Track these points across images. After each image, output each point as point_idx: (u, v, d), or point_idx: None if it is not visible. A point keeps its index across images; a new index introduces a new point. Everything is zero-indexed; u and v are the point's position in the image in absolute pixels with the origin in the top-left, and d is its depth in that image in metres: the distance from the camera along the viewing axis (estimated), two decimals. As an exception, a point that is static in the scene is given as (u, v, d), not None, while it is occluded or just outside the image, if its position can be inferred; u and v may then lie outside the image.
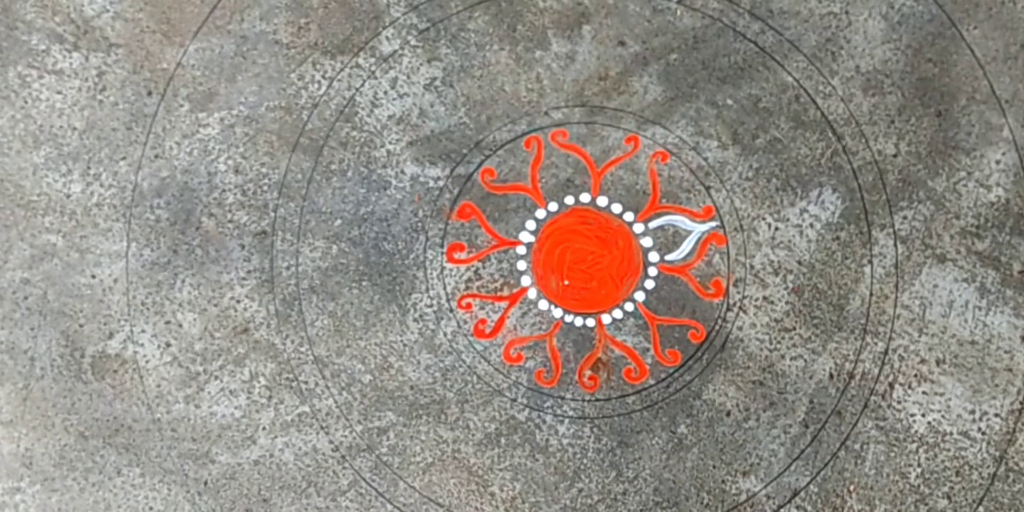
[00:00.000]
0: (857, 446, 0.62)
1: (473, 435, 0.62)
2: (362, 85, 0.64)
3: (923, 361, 0.62)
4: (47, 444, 0.62)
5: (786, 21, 0.64)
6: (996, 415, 0.63)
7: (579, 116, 0.64)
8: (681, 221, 0.63)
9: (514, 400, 0.62)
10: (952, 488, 0.62)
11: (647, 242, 0.63)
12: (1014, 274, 0.63)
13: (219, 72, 0.64)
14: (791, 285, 0.63)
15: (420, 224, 0.63)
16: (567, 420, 0.62)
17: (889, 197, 0.63)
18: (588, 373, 0.63)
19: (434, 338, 0.63)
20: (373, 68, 0.64)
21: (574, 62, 0.64)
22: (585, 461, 0.62)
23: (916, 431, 0.62)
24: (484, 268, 0.63)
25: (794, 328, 0.63)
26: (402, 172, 0.63)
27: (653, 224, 0.64)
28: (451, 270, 0.63)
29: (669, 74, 0.64)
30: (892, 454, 0.62)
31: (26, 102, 0.64)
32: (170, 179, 0.63)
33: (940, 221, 0.63)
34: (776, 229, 0.63)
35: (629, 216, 0.64)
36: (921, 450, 0.62)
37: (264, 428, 0.62)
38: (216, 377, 0.62)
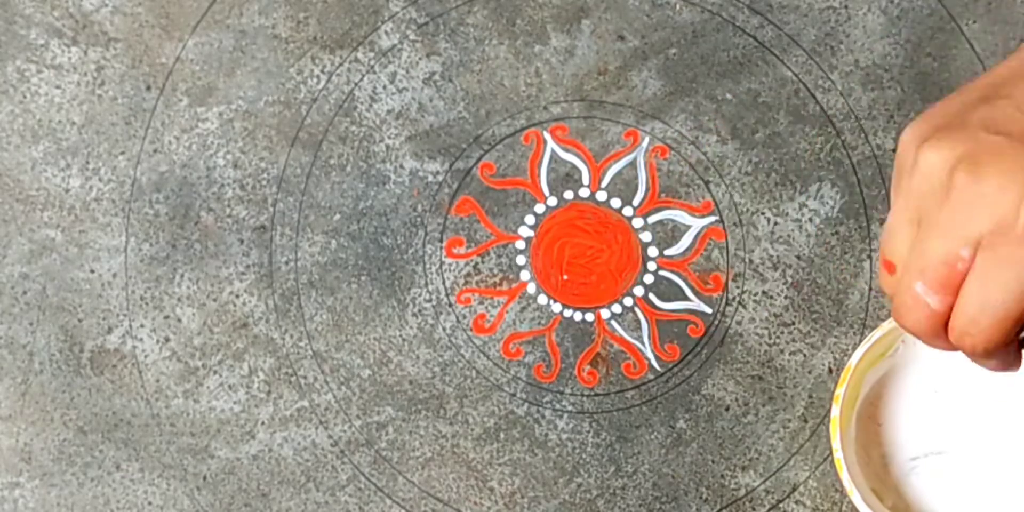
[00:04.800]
0: (856, 441, 0.62)
1: (472, 430, 0.62)
2: (361, 79, 0.64)
3: (922, 356, 0.62)
4: (46, 439, 0.62)
5: (785, 16, 0.64)
6: (995, 410, 0.63)
7: (578, 111, 0.64)
8: (680, 216, 0.63)
9: (513, 395, 0.62)
10: (951, 483, 0.62)
11: (646, 237, 0.63)
12: (1013, 269, 0.63)
13: (218, 67, 0.64)
14: (790, 280, 0.63)
15: (419, 219, 0.63)
16: (566, 415, 0.62)
17: (888, 192, 0.63)
18: (587, 368, 0.63)
19: (433, 333, 0.63)
20: (372, 63, 0.64)
21: (573, 56, 0.64)
22: (584, 456, 0.62)
23: (915, 426, 0.62)
24: (483, 263, 0.63)
25: (793, 323, 0.63)
26: (401, 167, 0.63)
27: (652, 219, 0.64)
28: (450, 265, 0.63)
29: (668, 69, 0.64)
30: (891, 449, 0.62)
31: (25, 97, 0.64)
32: (169, 174, 0.63)
33: (939, 216, 0.63)
34: (775, 224, 0.63)
35: (628, 211, 0.64)
36: (920, 445, 0.62)
37: (263, 423, 0.62)
38: (215, 372, 0.62)
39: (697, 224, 0.63)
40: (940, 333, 0.44)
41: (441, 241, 0.63)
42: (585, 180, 0.64)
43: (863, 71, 0.63)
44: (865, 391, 0.61)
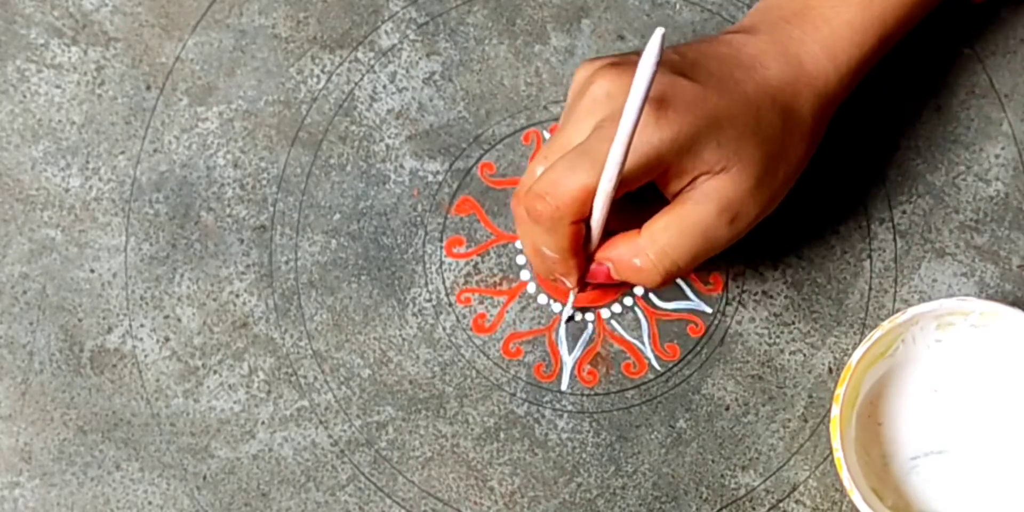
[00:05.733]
0: (856, 440, 0.62)
1: (472, 429, 0.62)
2: (361, 79, 0.64)
3: (922, 355, 0.63)
4: (46, 439, 0.62)
5: (785, 15, 0.64)
6: (995, 409, 0.63)
7: (578, 110, 0.64)
8: (680, 215, 0.63)
9: (513, 394, 0.62)
10: (951, 482, 0.62)
11: (646, 236, 0.63)
12: (1013, 268, 0.63)
13: (218, 66, 0.64)
14: (790, 280, 0.63)
15: (419, 218, 0.63)
16: (566, 415, 0.62)
17: (888, 191, 0.63)
18: (587, 367, 0.63)
19: (433, 333, 0.63)
20: (372, 62, 0.64)
21: (573, 56, 0.64)
22: (584, 455, 0.62)
23: (915, 425, 0.62)
24: (483, 262, 0.63)
25: (793, 322, 0.63)
26: (401, 166, 0.63)
27: (652, 218, 0.63)
28: (450, 264, 0.63)
29: (668, 68, 0.64)
30: (891, 448, 0.62)
31: (25, 96, 0.64)
32: (169, 173, 0.63)
33: (939, 215, 0.63)
34: (775, 222, 0.63)
35: (628, 210, 0.64)
36: (920, 444, 0.63)
37: (263, 422, 0.62)
38: (215, 372, 0.62)
39: (697, 224, 0.63)
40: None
41: (441, 241, 0.63)
42: (585, 180, 0.64)
43: (863, 71, 0.63)
44: (865, 391, 0.61)
